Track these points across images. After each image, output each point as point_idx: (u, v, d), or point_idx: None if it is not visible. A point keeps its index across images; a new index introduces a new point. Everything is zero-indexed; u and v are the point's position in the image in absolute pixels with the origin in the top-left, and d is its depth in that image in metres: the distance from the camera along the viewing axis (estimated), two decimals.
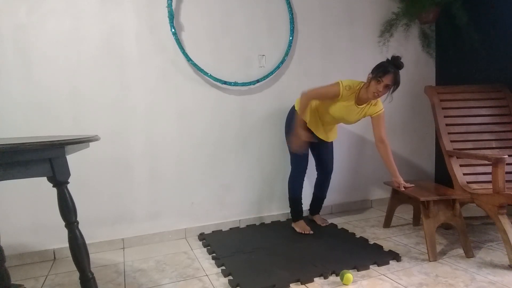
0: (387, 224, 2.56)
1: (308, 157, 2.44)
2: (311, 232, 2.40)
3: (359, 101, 2.19)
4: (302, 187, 2.47)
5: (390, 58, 2.10)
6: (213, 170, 2.54)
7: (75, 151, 1.34)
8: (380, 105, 2.24)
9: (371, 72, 2.12)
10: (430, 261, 1.96)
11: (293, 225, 2.51)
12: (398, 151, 3.17)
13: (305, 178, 2.48)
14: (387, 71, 2.04)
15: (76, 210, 1.28)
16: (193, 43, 2.41)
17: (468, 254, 2.01)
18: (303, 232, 2.40)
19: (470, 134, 2.48)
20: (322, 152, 2.50)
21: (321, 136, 2.40)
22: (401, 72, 2.09)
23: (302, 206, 2.51)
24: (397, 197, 2.47)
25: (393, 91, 2.12)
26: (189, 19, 2.39)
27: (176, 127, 2.41)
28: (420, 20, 3.01)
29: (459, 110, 2.54)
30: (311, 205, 2.68)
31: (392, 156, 2.30)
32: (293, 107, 2.43)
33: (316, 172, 2.60)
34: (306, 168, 2.44)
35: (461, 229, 2.01)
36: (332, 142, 2.53)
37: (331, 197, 2.94)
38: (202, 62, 2.43)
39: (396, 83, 2.07)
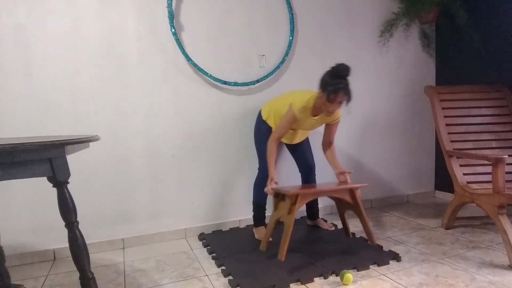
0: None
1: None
2: (271, 239, 2.24)
3: (315, 112, 2.12)
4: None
5: (333, 69, 1.93)
6: (213, 170, 2.54)
7: (75, 151, 1.34)
8: (339, 113, 2.18)
9: (322, 90, 1.97)
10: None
11: (254, 230, 2.41)
12: (398, 151, 3.17)
13: (292, 183, 2.42)
14: (338, 90, 1.89)
15: (76, 210, 1.28)
16: (193, 43, 2.41)
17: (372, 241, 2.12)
18: (260, 239, 2.26)
19: (470, 134, 2.48)
20: (298, 150, 2.43)
21: (287, 141, 2.36)
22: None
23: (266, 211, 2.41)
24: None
25: (348, 102, 1.97)
26: (189, 19, 2.39)
27: (176, 127, 2.41)
28: (420, 20, 3.01)
29: (459, 110, 2.54)
30: (308, 209, 2.55)
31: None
32: (260, 115, 2.34)
33: (300, 174, 2.50)
34: None
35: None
36: (306, 139, 2.45)
37: None
38: (202, 62, 2.43)
39: (348, 96, 1.94)
